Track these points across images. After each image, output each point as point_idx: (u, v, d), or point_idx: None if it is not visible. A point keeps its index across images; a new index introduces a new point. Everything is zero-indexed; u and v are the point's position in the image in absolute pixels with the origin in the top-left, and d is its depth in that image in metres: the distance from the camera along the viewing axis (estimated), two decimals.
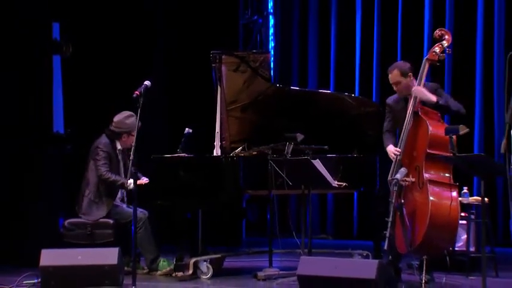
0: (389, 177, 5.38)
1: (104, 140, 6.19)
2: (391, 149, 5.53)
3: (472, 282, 5.65)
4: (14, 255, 6.37)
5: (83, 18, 7.55)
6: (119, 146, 6.23)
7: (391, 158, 5.50)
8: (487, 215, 5.67)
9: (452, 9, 8.47)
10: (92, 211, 6.10)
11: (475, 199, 6.35)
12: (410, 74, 5.52)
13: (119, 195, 6.25)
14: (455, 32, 7.98)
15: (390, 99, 5.73)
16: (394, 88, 5.59)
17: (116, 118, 6.20)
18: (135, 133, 6.02)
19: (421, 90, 5.39)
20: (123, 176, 6.15)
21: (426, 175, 5.26)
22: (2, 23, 6.70)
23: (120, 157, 6.24)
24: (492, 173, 5.03)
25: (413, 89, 5.42)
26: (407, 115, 5.44)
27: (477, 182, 7.51)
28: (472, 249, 6.24)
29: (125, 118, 6.19)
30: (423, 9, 8.63)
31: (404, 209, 5.21)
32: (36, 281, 5.42)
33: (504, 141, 4.31)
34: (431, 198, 5.18)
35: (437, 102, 5.35)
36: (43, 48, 7.02)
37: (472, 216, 6.26)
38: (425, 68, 5.52)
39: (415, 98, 5.39)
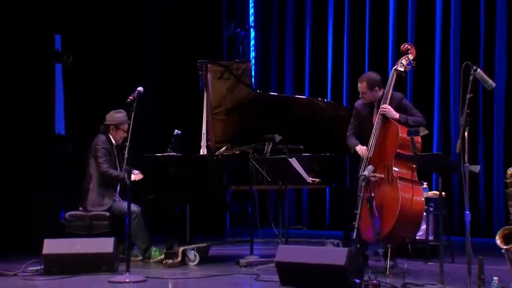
0: (359, 173, 5.41)
1: (101, 137, 6.19)
2: (361, 148, 5.55)
3: (431, 267, 5.68)
4: (19, 245, 6.32)
5: (82, 31, 7.52)
6: (113, 142, 6.22)
7: (362, 155, 5.51)
8: (444, 207, 5.71)
9: (413, 24, 8.52)
10: (99, 202, 6.08)
11: (433, 193, 6.39)
12: (376, 88, 5.53)
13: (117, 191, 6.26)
14: (416, 45, 8.00)
15: (358, 104, 5.75)
16: (360, 96, 5.62)
17: (107, 114, 6.25)
18: (123, 128, 6.10)
19: (388, 110, 5.41)
20: (119, 170, 6.15)
21: (395, 172, 5.28)
22: (10, 36, 6.67)
23: (115, 152, 6.24)
24: (449, 170, 5.07)
25: (382, 107, 5.43)
26: (375, 120, 5.47)
27: (435, 178, 7.56)
28: (431, 238, 6.28)
29: (114, 112, 6.24)
30: (388, 25, 8.67)
31: (374, 202, 5.23)
32: (39, 267, 5.39)
33: (459, 142, 4.34)
34: (400, 193, 5.20)
35: (399, 119, 5.40)
36: (46, 57, 6.99)
37: (431, 209, 6.31)
38: (393, 78, 5.55)
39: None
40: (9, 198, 6.58)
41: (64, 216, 6.12)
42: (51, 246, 5.35)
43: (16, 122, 6.70)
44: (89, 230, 6.00)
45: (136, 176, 5.94)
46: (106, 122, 6.21)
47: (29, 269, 5.40)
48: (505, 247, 4.40)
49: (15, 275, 5.30)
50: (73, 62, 7.24)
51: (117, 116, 6.20)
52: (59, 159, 6.93)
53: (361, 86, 5.55)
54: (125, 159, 5.16)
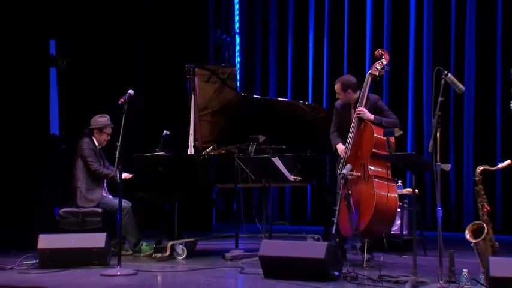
0: (338, 172, 5.42)
1: (85, 139, 6.18)
2: (340, 147, 5.56)
3: (405, 260, 5.70)
4: (15, 240, 6.27)
5: (76, 36, 7.46)
6: (97, 144, 6.20)
7: (341, 154, 5.52)
8: (417, 204, 5.72)
9: (389, 31, 8.56)
10: (87, 199, 6.06)
11: (407, 191, 6.41)
12: (350, 90, 5.54)
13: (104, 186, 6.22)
14: (392, 51, 8.06)
15: (338, 104, 5.76)
16: (336, 96, 5.65)
17: (92, 119, 6.21)
18: (106, 131, 6.08)
19: (363, 112, 5.43)
20: (104, 169, 6.13)
21: (371, 171, 5.30)
22: (6, 42, 6.63)
23: (98, 150, 6.21)
24: (422, 168, 5.09)
25: (357, 109, 5.45)
26: (352, 122, 5.48)
27: (409, 176, 7.59)
28: (405, 232, 6.30)
29: (98, 117, 6.23)
30: (365, 32, 8.70)
31: (351, 199, 5.24)
32: (34, 261, 5.37)
33: (431, 142, 4.36)
34: (376, 190, 5.21)
35: (373, 120, 5.42)
36: (41, 62, 6.95)
37: (405, 205, 6.33)
38: (368, 81, 5.57)
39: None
40: (7, 196, 6.53)
41: (58, 213, 6.10)
42: (46, 241, 5.32)
43: (13, 123, 6.65)
44: (81, 225, 5.98)
45: (125, 175, 5.92)
46: (91, 127, 6.19)
47: (24, 263, 5.37)
48: (474, 241, 4.42)
49: (11, 268, 5.26)
50: (67, 66, 7.19)
51: (100, 120, 6.18)
52: (54, 158, 6.89)
53: (336, 86, 5.61)
54: (116, 159, 5.13)
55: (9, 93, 6.66)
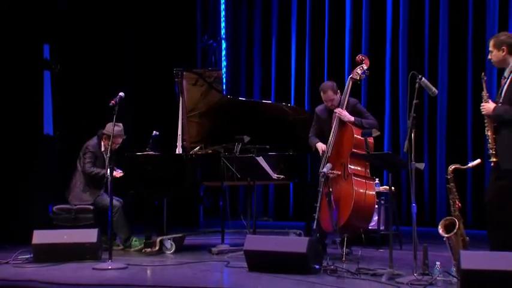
0: (319, 171, 5.43)
1: (93, 141, 6.15)
2: (321, 145, 5.57)
3: (382, 253, 5.74)
4: (11, 236, 6.22)
5: (69, 41, 7.42)
6: (103, 147, 6.17)
7: (321, 151, 5.53)
8: (393, 200, 5.76)
9: (367, 38, 8.60)
10: (80, 198, 6.04)
11: (384, 188, 6.46)
12: (338, 90, 5.56)
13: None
14: (369, 56, 8.07)
15: (318, 109, 5.75)
16: (328, 104, 5.52)
17: (108, 123, 6.08)
18: (115, 141, 5.93)
19: (344, 114, 5.43)
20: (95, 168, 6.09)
21: (350, 169, 5.32)
22: (2, 46, 6.57)
23: (105, 155, 6.16)
24: (398, 167, 5.12)
25: (337, 111, 5.45)
26: (333, 123, 5.49)
27: (386, 174, 7.64)
28: (382, 228, 6.34)
29: (112, 124, 6.07)
30: (344, 38, 8.74)
31: (332, 196, 5.26)
32: (29, 256, 5.33)
33: (406, 143, 4.40)
34: (355, 188, 5.22)
35: (354, 122, 5.41)
36: (36, 65, 6.91)
37: (382, 202, 6.36)
38: (349, 85, 5.55)
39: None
40: (2, 193, 6.48)
41: (52, 210, 6.07)
42: (40, 236, 5.29)
43: (7, 123, 6.60)
44: (74, 222, 5.97)
45: (117, 173, 5.90)
46: (103, 131, 6.13)
47: (19, 257, 5.33)
48: (446, 235, 4.46)
49: (7, 263, 5.22)
50: (60, 70, 7.16)
51: (112, 128, 6.07)
52: (48, 157, 6.84)
53: (328, 95, 5.48)
54: (107, 158, 5.13)
55: (5, 95, 6.62)
